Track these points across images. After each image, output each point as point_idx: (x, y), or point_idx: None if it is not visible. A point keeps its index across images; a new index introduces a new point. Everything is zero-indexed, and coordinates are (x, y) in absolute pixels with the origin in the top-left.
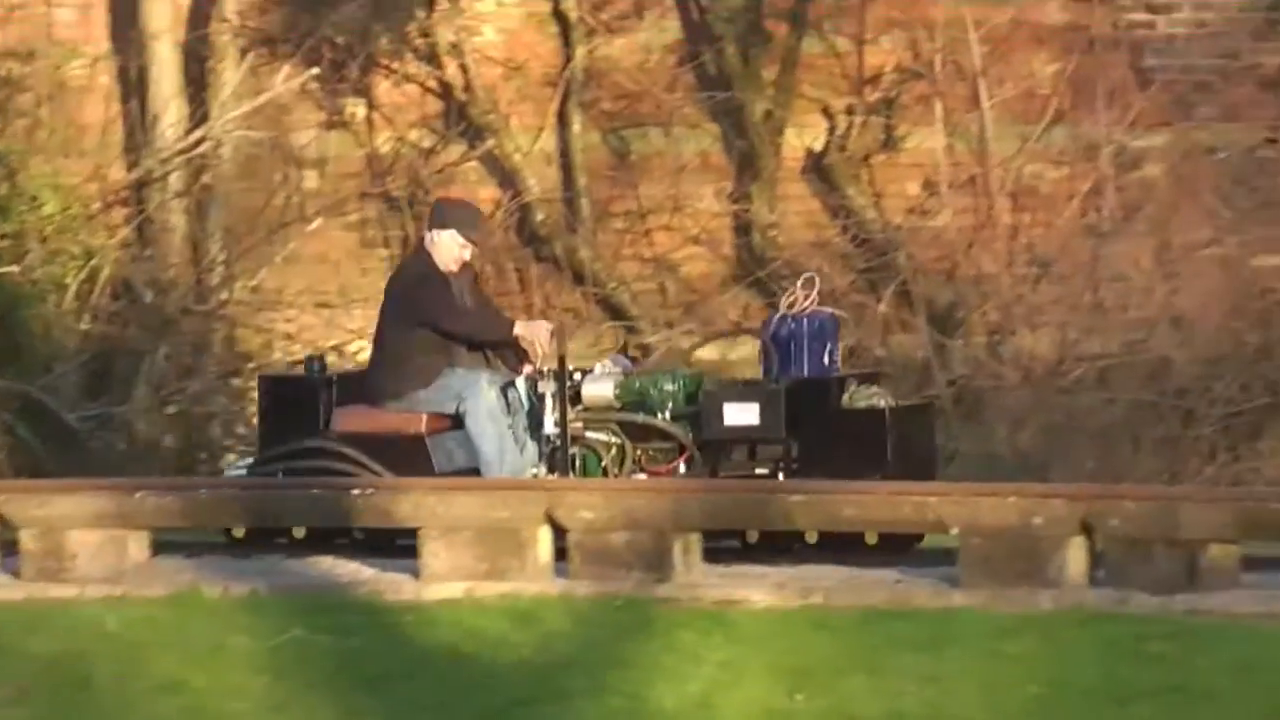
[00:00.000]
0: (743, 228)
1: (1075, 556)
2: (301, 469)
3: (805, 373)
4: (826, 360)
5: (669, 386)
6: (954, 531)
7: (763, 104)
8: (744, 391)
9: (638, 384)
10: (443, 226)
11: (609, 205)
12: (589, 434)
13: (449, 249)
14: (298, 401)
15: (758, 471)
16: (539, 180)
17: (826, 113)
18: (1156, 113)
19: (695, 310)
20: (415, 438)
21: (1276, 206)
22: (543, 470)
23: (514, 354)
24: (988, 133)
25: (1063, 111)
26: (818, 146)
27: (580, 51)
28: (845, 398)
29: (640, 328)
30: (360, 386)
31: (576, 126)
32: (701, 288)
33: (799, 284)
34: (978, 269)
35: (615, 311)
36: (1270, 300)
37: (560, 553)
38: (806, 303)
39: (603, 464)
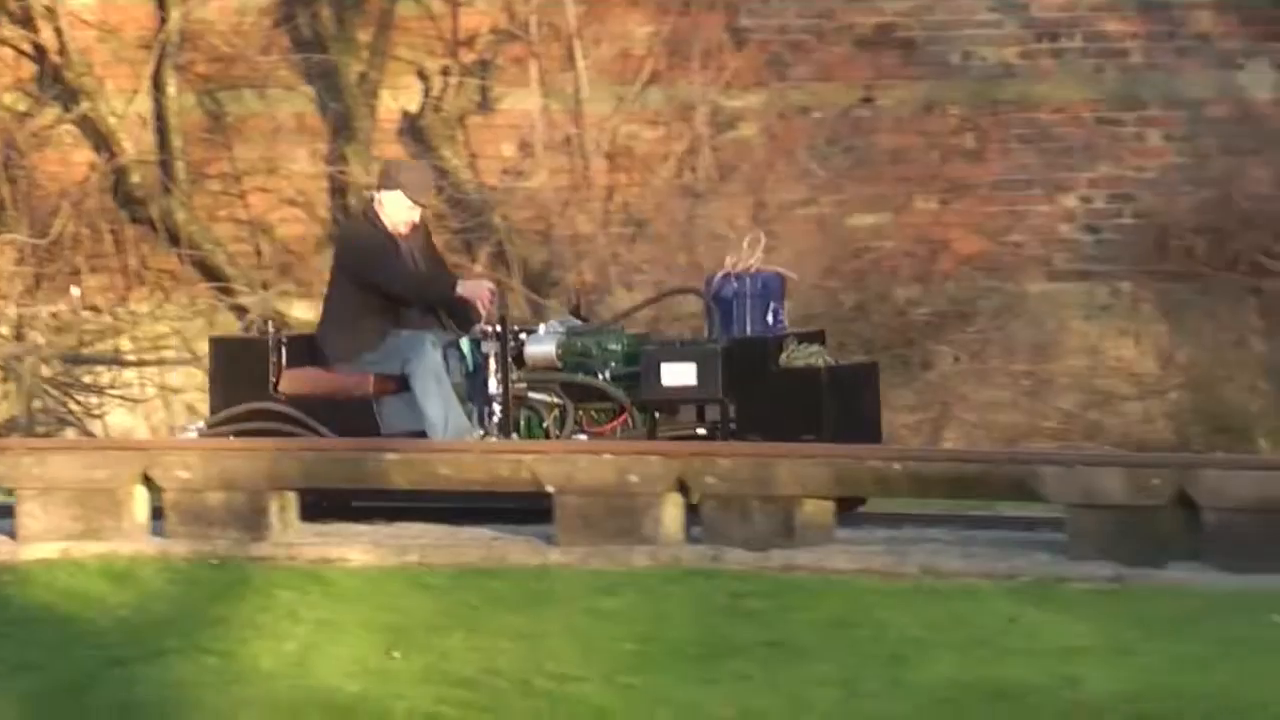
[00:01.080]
0: (338, 189)
1: (671, 514)
2: (249, 431)
3: (748, 332)
4: (771, 319)
5: (612, 346)
6: (550, 490)
7: (358, 66)
8: (682, 351)
9: (579, 344)
10: (390, 188)
11: (204, 167)
12: (532, 395)
13: (396, 210)
14: (248, 363)
15: (698, 432)
16: (134, 143)
17: (422, 74)
18: (751, 73)
19: (291, 271)
20: (362, 399)
21: (872, 165)
22: (493, 432)
23: (462, 313)
24: (583, 93)
25: (658, 72)
26: (413, 108)
27: (175, 14)
28: (784, 357)
29: (236, 289)
30: (311, 349)
31: (171, 89)
32: (297, 249)
33: (745, 242)
34: (573, 229)
35: (211, 273)
36: (866, 259)
37: (159, 513)
38: (751, 261)
39: (544, 425)
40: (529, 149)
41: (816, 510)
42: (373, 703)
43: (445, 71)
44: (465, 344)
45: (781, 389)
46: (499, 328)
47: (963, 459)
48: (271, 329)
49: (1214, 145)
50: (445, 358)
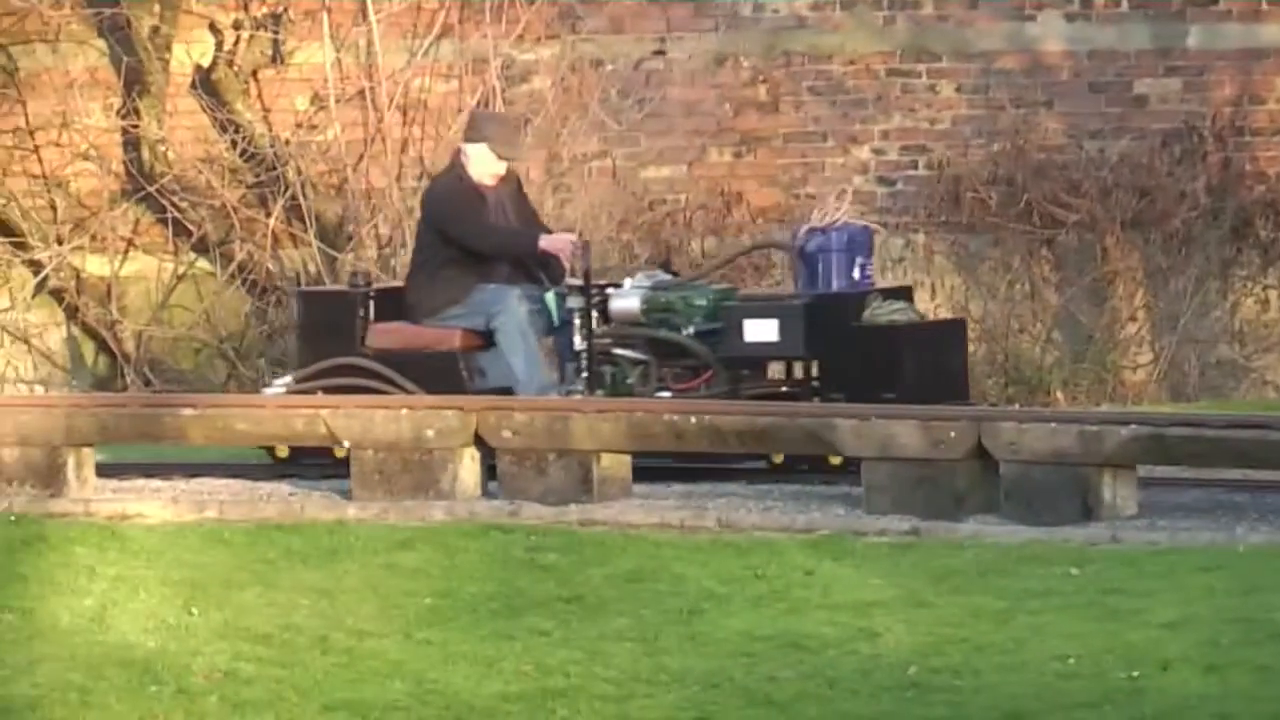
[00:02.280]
0: (132, 143)
1: (468, 468)
2: (336, 387)
3: (834, 288)
4: (858, 274)
5: (698, 301)
6: (346, 445)
7: (150, 20)
8: (764, 308)
9: (664, 299)
10: (475, 140)
11: None
12: (616, 350)
13: (482, 163)
14: (335, 317)
15: (783, 390)
16: None
17: (214, 28)
18: (543, 25)
19: (86, 225)
20: (448, 355)
21: (664, 118)
22: (580, 388)
23: (548, 267)
24: (375, 47)
25: (450, 25)
26: (206, 62)
27: None
28: (867, 314)
29: (32, 244)
30: (399, 303)
31: None
32: (91, 203)
33: (832, 197)
34: (368, 182)
35: (5, 229)
36: (660, 212)
37: None
38: (838, 214)
39: (629, 381)
40: (322, 103)
41: (613, 464)
42: (170, 658)
43: (237, 25)
44: (551, 298)
45: (863, 346)
46: (584, 282)
47: (758, 412)
48: (361, 281)
49: (1006, 97)
50: (532, 312)
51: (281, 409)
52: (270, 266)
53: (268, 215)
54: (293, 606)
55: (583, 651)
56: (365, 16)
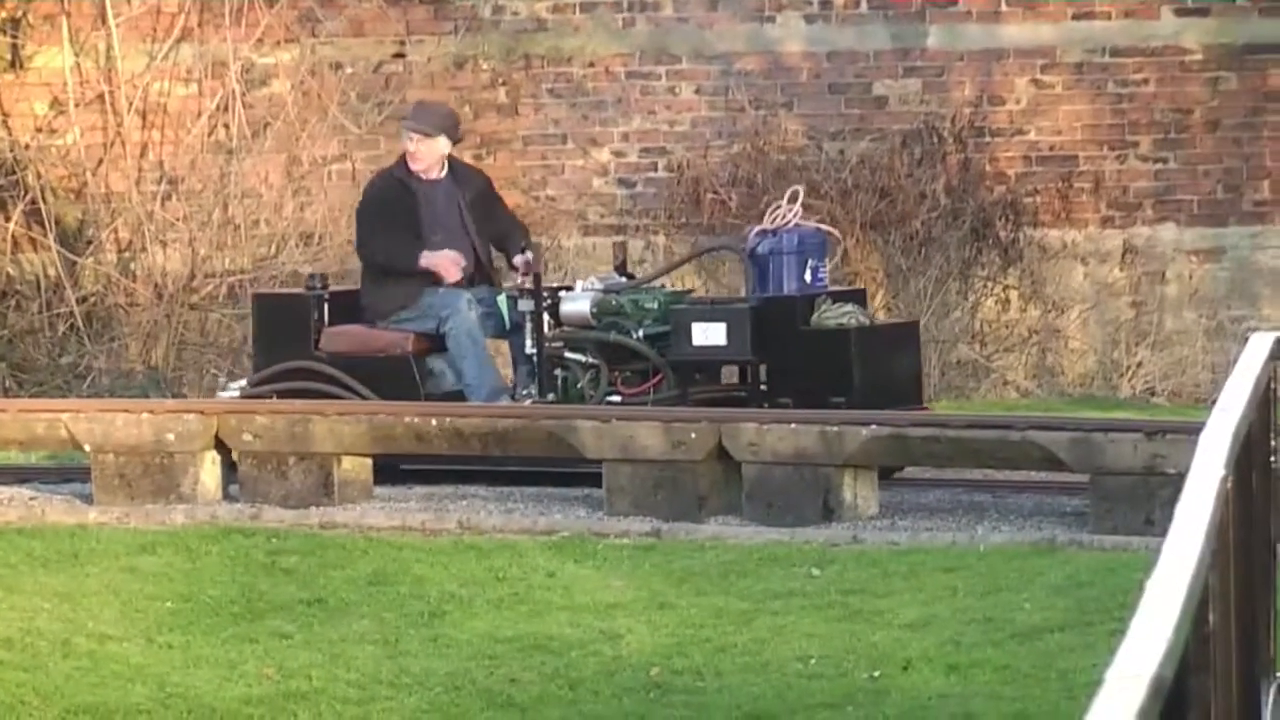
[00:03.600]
0: None
1: (209, 471)
2: (289, 390)
3: (786, 291)
4: (810, 277)
5: (649, 304)
6: (87, 449)
7: None
8: (712, 311)
9: (615, 301)
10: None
11: None
12: (568, 354)
13: (405, 147)
14: (290, 320)
15: (736, 395)
16: None
17: None
18: (283, 29)
19: None
20: (401, 359)
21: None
22: (533, 392)
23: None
24: (115, 50)
25: (190, 29)
26: None
27: None
28: (815, 317)
29: None
30: (354, 306)
31: None
32: None
33: (785, 198)
34: (108, 186)
35: None
36: None
37: None
38: (790, 217)
39: (579, 385)
40: (61, 107)
41: (355, 467)
42: None
43: None
44: (503, 300)
45: (811, 350)
46: (534, 284)
47: (498, 414)
48: (317, 284)
49: (746, 98)
50: (483, 315)
51: (22, 413)
52: (10, 270)
53: (7, 219)
54: (34, 611)
55: (324, 654)
56: (104, 20)
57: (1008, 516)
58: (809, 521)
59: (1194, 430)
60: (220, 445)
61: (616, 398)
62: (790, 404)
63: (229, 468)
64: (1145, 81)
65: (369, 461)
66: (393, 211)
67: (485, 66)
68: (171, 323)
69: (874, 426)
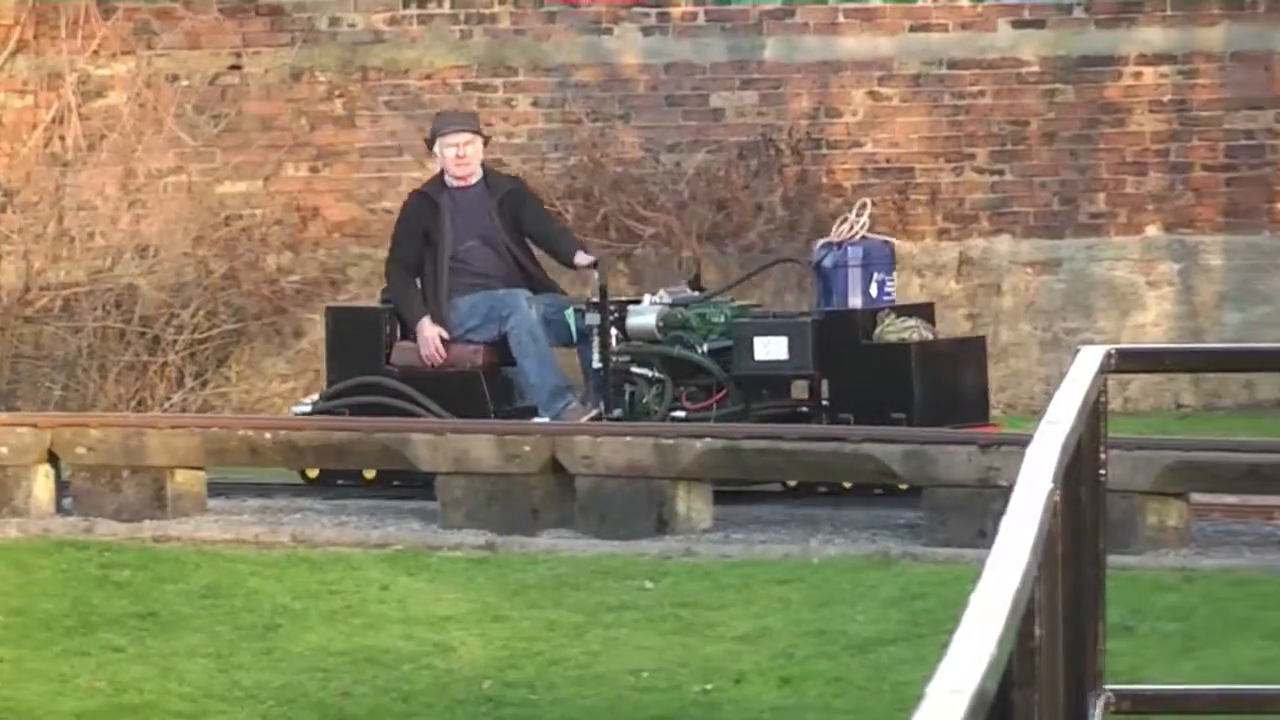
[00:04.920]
0: None
1: (42, 485)
2: (359, 406)
3: (850, 304)
4: (876, 291)
5: (715, 319)
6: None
7: None
8: (773, 324)
9: (680, 315)
10: (432, 143)
11: None
12: (634, 369)
13: (445, 158)
14: (361, 335)
15: (800, 410)
16: None
17: None
18: (119, 41)
19: None
20: (471, 374)
21: (240, 133)
22: (600, 407)
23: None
24: None
25: (26, 40)
26: None
27: None
28: (877, 331)
29: None
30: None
31: None
32: None
33: (853, 210)
34: None
35: None
36: (236, 227)
37: None
38: (856, 229)
39: (645, 400)
40: None
41: (188, 480)
42: None
43: None
44: (570, 314)
45: (872, 365)
46: (599, 298)
47: (334, 427)
48: (385, 298)
49: (583, 110)
50: (545, 316)
51: None
52: None
53: None
54: None
55: (157, 668)
56: None
57: (841, 529)
58: (643, 534)
59: (1027, 443)
60: (53, 458)
61: (681, 413)
62: (851, 420)
63: (61, 481)
64: (982, 93)
65: (202, 474)
66: (417, 226)
67: (322, 78)
68: (6, 336)
69: (708, 439)
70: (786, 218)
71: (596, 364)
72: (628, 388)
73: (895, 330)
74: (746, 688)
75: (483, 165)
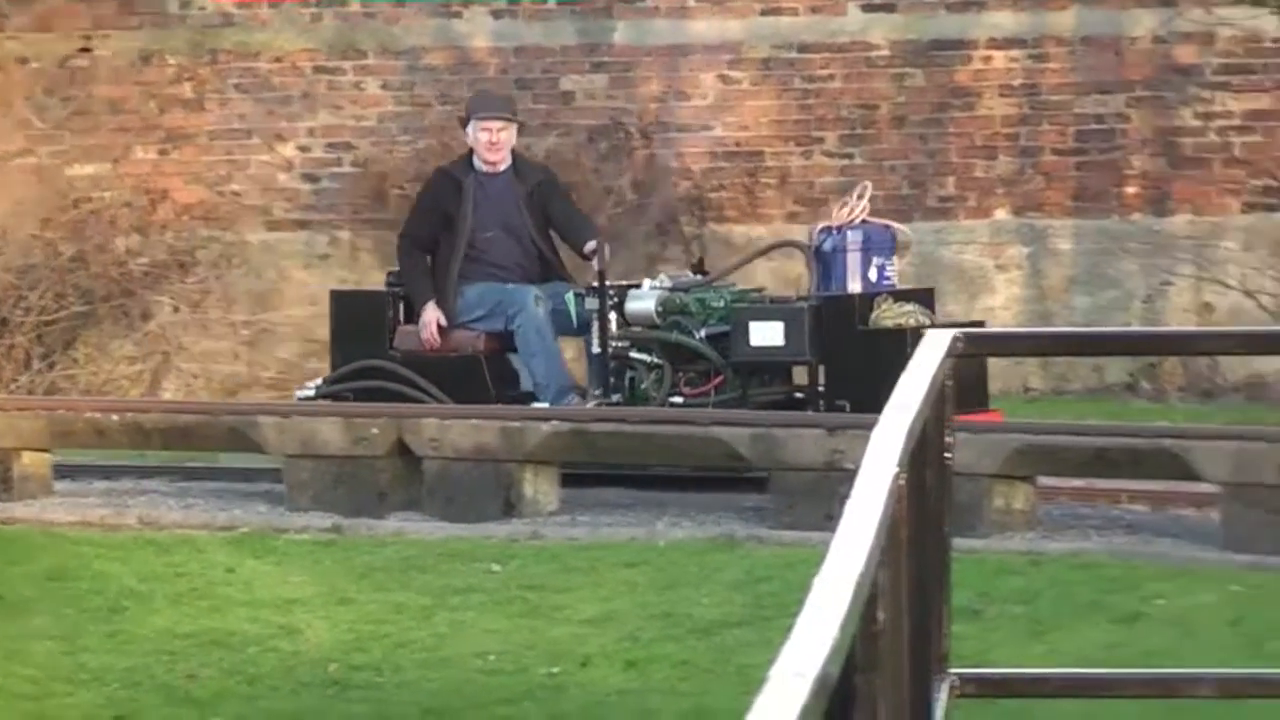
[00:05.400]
0: None
1: None
2: (363, 390)
3: (849, 289)
4: (875, 275)
5: (715, 304)
6: None
7: None
8: (769, 310)
9: (680, 300)
10: (466, 123)
11: None
12: (633, 354)
13: (477, 140)
14: (365, 319)
15: (795, 397)
16: None
17: None
18: None
19: None
20: (472, 359)
21: (89, 115)
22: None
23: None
24: None
25: None
26: None
27: None
28: (874, 316)
29: None
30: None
31: None
32: None
33: (854, 193)
34: None
35: None
36: (84, 210)
37: None
38: (855, 213)
39: (643, 386)
40: None
41: (34, 462)
42: None
43: None
44: (570, 298)
45: (868, 351)
46: (599, 282)
47: (180, 410)
48: (395, 280)
49: (432, 94)
50: (552, 312)
51: None
52: None
53: None
54: None
55: (1, 650)
56: None
57: (687, 511)
58: (490, 517)
59: (873, 426)
60: None
61: (679, 399)
62: (846, 407)
63: None
64: (832, 77)
65: (48, 456)
66: (438, 205)
67: (172, 62)
68: None
69: (555, 422)
70: (635, 201)
71: (596, 349)
72: (628, 373)
73: (892, 315)
74: (593, 670)
75: (512, 151)
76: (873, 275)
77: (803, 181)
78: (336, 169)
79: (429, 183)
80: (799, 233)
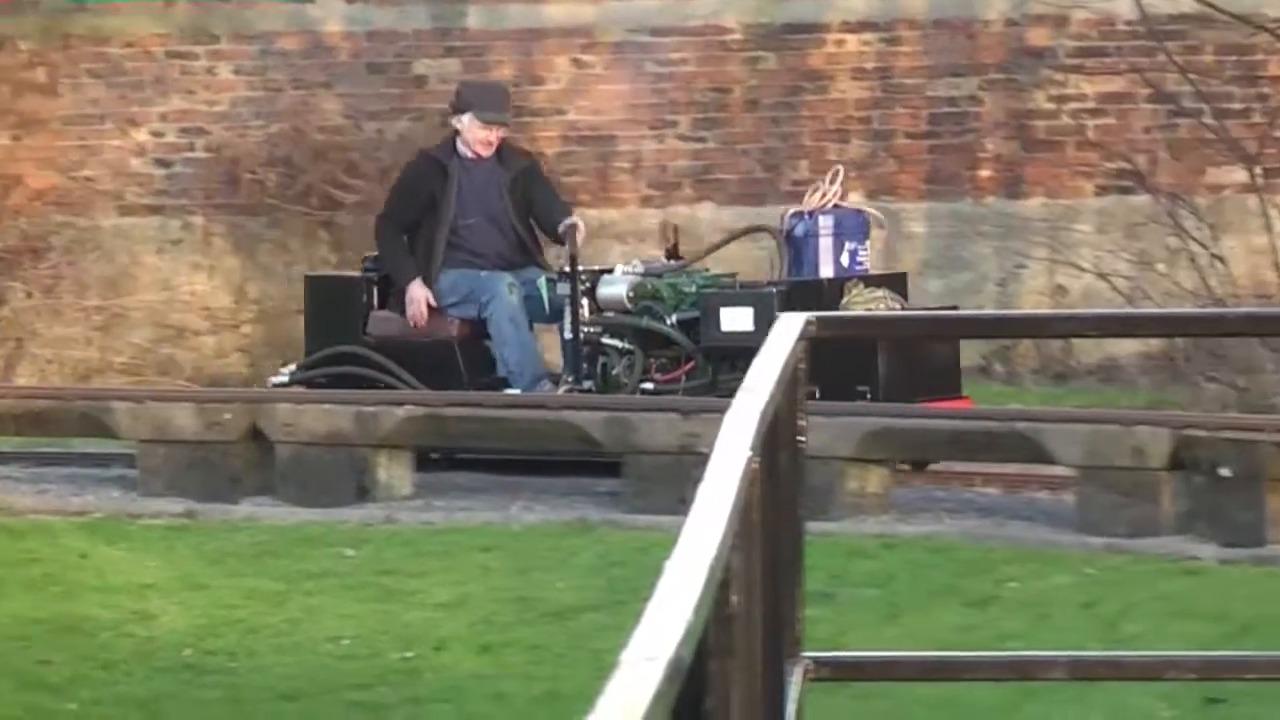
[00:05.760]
0: None
1: None
2: (336, 376)
3: (821, 274)
4: (847, 260)
5: (687, 289)
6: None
7: None
8: (738, 295)
9: (651, 285)
10: (462, 111)
11: None
12: (605, 340)
13: (471, 133)
14: (340, 304)
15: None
16: None
17: None
18: None
19: None
20: (445, 344)
21: None
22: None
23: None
24: None
25: None
26: None
27: None
28: (844, 302)
29: None
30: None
31: None
32: None
33: (827, 178)
34: None
35: None
36: None
37: None
38: (828, 198)
39: (615, 371)
40: None
41: None
42: None
43: None
44: (543, 284)
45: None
46: (570, 267)
47: (33, 395)
48: (372, 266)
49: (285, 78)
50: (525, 300)
51: None
52: None
53: None
54: None
55: None
56: None
57: (541, 495)
58: (344, 502)
59: (726, 410)
60: None
61: (650, 385)
62: (815, 395)
63: None
64: (685, 61)
65: None
66: (421, 188)
67: (23, 47)
68: None
69: (409, 407)
70: None
71: (568, 334)
72: (600, 359)
73: (862, 300)
74: (447, 655)
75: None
76: (845, 260)
77: (656, 165)
78: (189, 154)
79: (411, 165)
80: (652, 218)
